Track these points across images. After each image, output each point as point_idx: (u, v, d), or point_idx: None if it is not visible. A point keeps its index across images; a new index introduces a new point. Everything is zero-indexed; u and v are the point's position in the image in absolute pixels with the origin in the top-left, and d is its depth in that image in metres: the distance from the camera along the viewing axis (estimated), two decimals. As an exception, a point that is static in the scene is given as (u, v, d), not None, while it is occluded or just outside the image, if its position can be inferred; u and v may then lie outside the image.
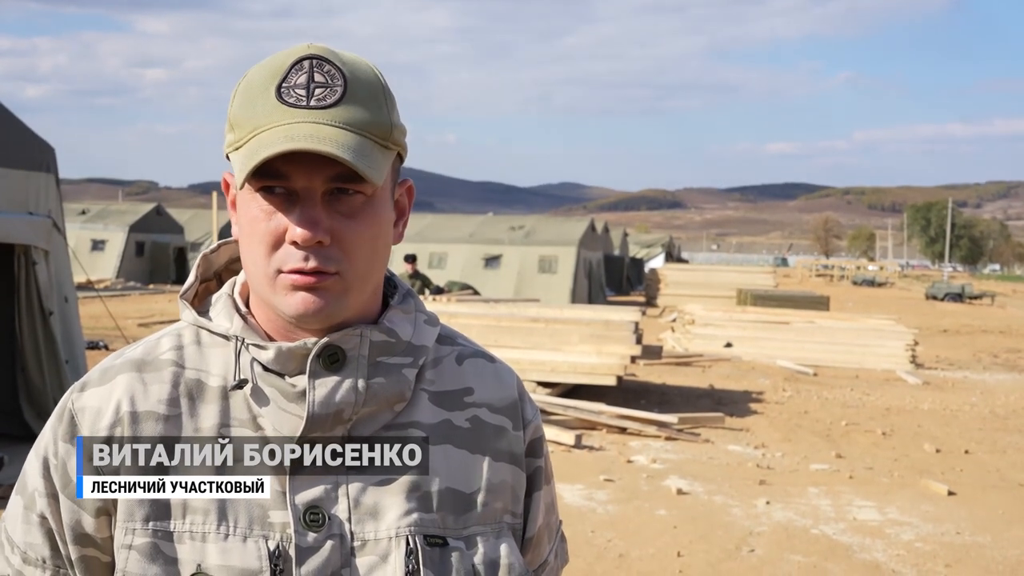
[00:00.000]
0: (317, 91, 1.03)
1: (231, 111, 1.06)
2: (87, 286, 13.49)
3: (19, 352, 7.41)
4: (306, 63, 1.03)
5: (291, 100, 1.02)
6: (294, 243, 1.02)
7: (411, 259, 14.13)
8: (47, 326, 7.32)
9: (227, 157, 1.08)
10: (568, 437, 8.72)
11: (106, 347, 13.51)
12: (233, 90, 1.08)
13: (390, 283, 1.19)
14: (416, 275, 13.97)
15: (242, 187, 1.03)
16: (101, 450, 1.07)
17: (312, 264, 1.02)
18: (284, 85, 1.03)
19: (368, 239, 1.05)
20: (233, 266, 1.22)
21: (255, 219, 1.04)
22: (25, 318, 7.31)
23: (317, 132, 1.00)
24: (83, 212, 36.34)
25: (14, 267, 7.28)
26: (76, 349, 7.72)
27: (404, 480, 1.09)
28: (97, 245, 34.25)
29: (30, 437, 7.18)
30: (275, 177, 1.02)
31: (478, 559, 1.10)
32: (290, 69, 1.03)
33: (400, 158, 1.10)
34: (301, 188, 1.03)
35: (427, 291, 13.87)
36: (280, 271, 1.04)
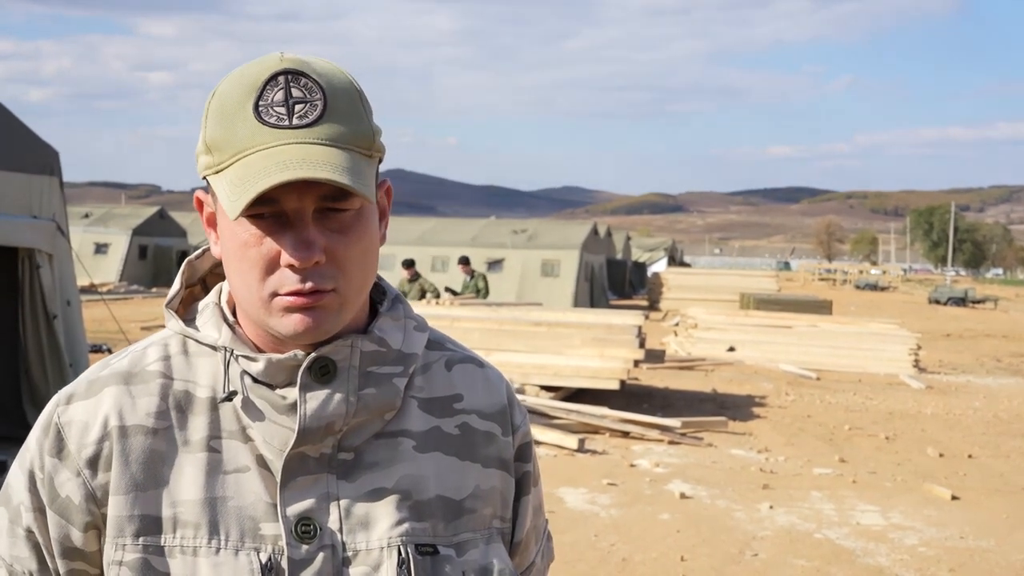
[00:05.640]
0: (297, 107, 1.00)
1: (206, 132, 1.03)
2: (90, 289, 13.50)
3: (23, 355, 7.42)
4: (281, 78, 1.00)
5: (271, 120, 0.99)
6: (290, 266, 1.00)
7: (409, 264, 14.13)
8: (51, 329, 7.33)
9: (204, 179, 1.05)
10: (571, 441, 8.71)
11: (109, 350, 13.51)
12: (204, 108, 1.04)
13: (378, 287, 1.17)
14: (416, 279, 13.96)
15: (236, 218, 0.99)
16: (91, 466, 1.06)
17: (309, 285, 1.00)
18: (261, 103, 1.00)
19: (360, 252, 1.04)
20: (218, 270, 1.20)
21: (245, 244, 1.02)
22: (29, 321, 7.31)
23: (307, 155, 0.98)
24: (86, 215, 36.39)
25: (18, 270, 7.29)
26: (79, 352, 7.73)
27: (395, 489, 1.08)
28: (100, 248, 34.29)
29: (33, 440, 7.20)
30: (264, 203, 0.99)
31: (469, 566, 1.09)
32: (265, 85, 1.00)
33: (379, 161, 1.08)
34: (291, 210, 1.00)
35: (428, 295, 13.84)
36: (276, 294, 1.02)
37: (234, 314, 1.12)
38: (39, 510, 1.08)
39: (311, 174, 0.96)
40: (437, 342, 1.20)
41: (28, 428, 7.85)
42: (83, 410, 1.09)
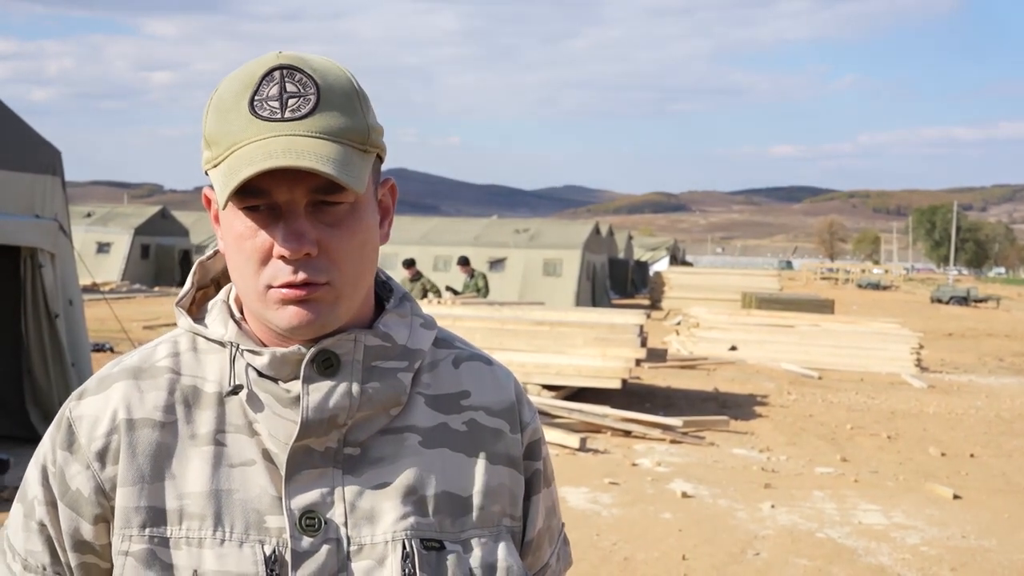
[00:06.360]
0: (291, 101, 1.02)
1: (206, 128, 1.05)
2: (92, 289, 13.50)
3: (25, 354, 7.44)
4: (277, 73, 1.02)
5: (265, 113, 1.01)
6: (282, 258, 1.02)
7: (410, 264, 14.14)
8: (53, 328, 7.34)
9: (206, 173, 1.07)
10: (573, 440, 8.72)
11: (112, 350, 13.53)
12: (206, 105, 1.07)
13: (386, 286, 1.18)
14: (417, 278, 13.96)
15: (224, 207, 1.02)
16: (100, 458, 1.08)
17: (302, 277, 1.02)
18: (256, 98, 1.02)
19: (355, 246, 1.05)
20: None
21: (240, 236, 1.04)
22: (31, 320, 7.33)
23: (293, 145, 0.99)
24: (88, 215, 36.40)
25: (20, 270, 7.31)
26: (82, 352, 7.74)
27: (400, 484, 1.09)
28: (102, 248, 34.30)
29: (36, 439, 7.20)
30: (256, 194, 1.01)
31: (475, 563, 1.09)
32: (261, 81, 1.02)
33: (379, 158, 1.09)
34: (284, 202, 1.02)
35: (430, 295, 13.85)
36: (270, 286, 1.03)
37: (241, 311, 1.14)
38: (51, 504, 1.10)
39: (291, 162, 0.98)
40: (445, 340, 1.21)
41: (31, 427, 7.88)
42: (94, 405, 1.11)
